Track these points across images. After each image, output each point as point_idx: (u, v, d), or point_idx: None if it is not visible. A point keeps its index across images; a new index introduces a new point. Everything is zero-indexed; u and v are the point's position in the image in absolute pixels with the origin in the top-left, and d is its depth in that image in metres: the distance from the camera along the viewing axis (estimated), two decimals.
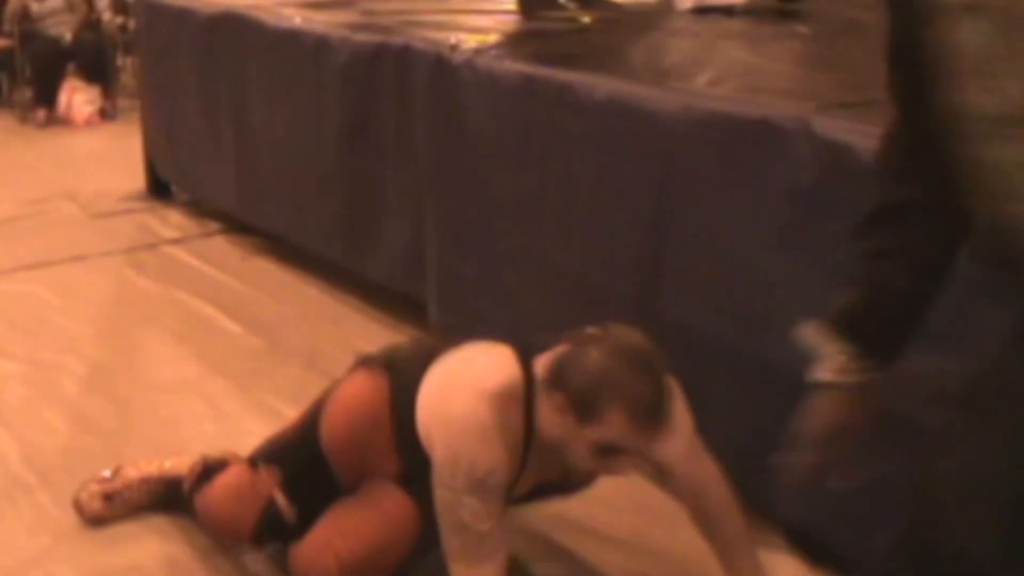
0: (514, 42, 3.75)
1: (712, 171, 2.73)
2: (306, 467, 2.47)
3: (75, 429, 3.29)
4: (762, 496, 2.45)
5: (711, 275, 2.74)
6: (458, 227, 3.54)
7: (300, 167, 4.28)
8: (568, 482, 2.38)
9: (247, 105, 4.53)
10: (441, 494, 2.17)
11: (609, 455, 2.11)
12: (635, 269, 2.92)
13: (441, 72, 3.51)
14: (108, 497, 2.79)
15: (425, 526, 2.25)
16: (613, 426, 2.05)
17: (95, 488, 2.80)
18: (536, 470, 2.26)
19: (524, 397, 2.19)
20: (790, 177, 2.56)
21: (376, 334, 3.79)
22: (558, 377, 2.13)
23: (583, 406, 2.07)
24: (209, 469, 2.68)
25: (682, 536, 2.51)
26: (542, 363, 2.20)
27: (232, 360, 3.76)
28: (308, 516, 2.41)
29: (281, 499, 2.47)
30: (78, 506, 2.79)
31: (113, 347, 3.92)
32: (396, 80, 3.71)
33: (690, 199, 2.79)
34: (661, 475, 2.35)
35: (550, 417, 2.15)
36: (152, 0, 5.22)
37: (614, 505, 2.77)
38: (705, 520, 2.38)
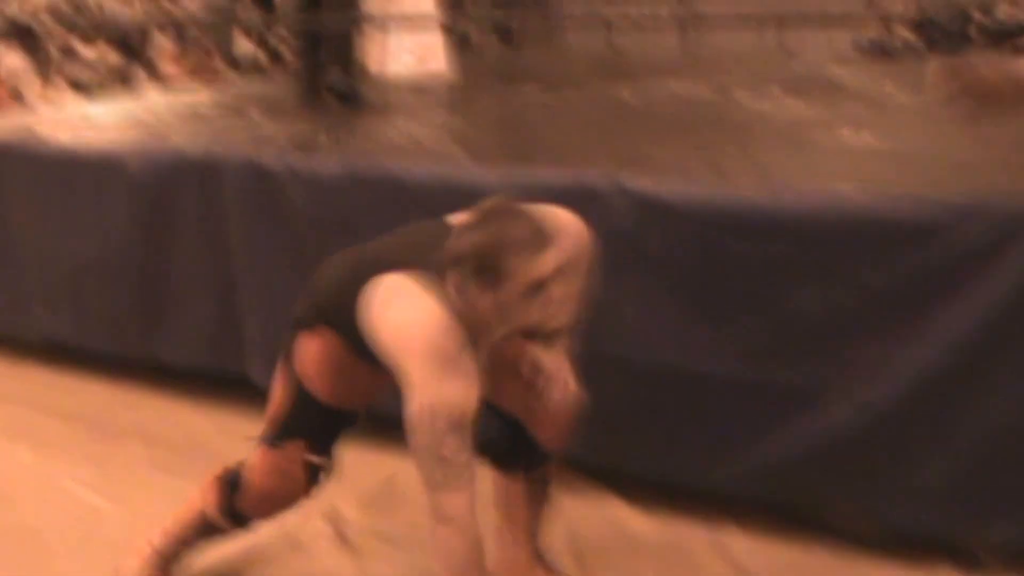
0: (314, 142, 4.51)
1: None
2: (320, 424, 2.77)
3: None
4: None
5: None
6: (284, 304, 4.14)
7: (82, 274, 4.70)
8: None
9: (9, 226, 4.90)
10: (420, 439, 2.39)
11: (538, 294, 2.39)
12: None
13: (256, 175, 4.15)
14: None
15: None
16: (522, 266, 2.35)
17: None
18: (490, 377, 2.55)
19: (458, 323, 2.42)
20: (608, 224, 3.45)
21: (177, 409, 4.41)
22: (459, 278, 2.39)
23: (489, 273, 2.35)
24: (231, 479, 2.93)
25: None
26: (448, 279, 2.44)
27: (70, 445, 4.13)
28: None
29: (317, 460, 2.79)
30: None
31: None
32: (199, 184, 4.29)
33: None
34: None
35: (481, 311, 2.40)
36: None
37: None
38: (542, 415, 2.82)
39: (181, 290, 4.45)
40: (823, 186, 3.32)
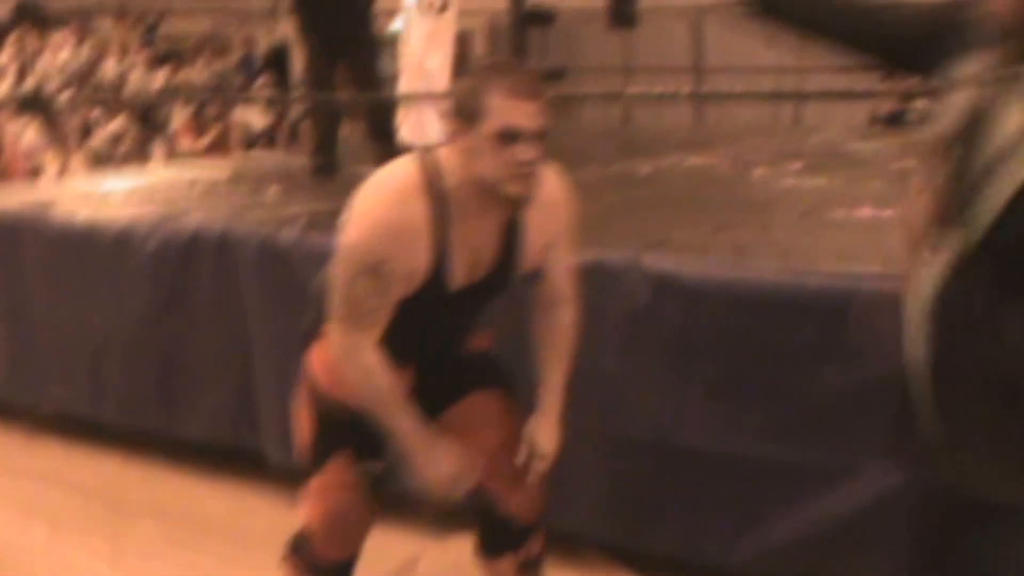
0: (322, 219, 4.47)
1: None
2: (352, 429, 2.63)
3: None
4: None
5: None
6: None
7: (99, 349, 4.70)
8: (502, 266, 2.61)
9: (25, 300, 4.91)
10: (339, 269, 2.49)
11: (510, 144, 2.36)
12: None
13: (268, 252, 4.16)
14: None
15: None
16: (498, 108, 2.35)
17: None
18: (464, 244, 2.51)
19: (424, 181, 2.47)
20: (626, 303, 3.45)
21: (192, 485, 4.38)
22: (449, 121, 2.46)
23: (468, 111, 2.38)
24: (296, 544, 2.78)
25: None
26: None
27: (84, 521, 4.10)
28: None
29: (365, 465, 2.68)
30: None
31: None
32: (216, 262, 4.30)
33: None
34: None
35: (454, 152, 2.45)
36: None
37: None
38: (547, 333, 2.79)
39: (197, 366, 4.45)
40: (844, 266, 3.30)
